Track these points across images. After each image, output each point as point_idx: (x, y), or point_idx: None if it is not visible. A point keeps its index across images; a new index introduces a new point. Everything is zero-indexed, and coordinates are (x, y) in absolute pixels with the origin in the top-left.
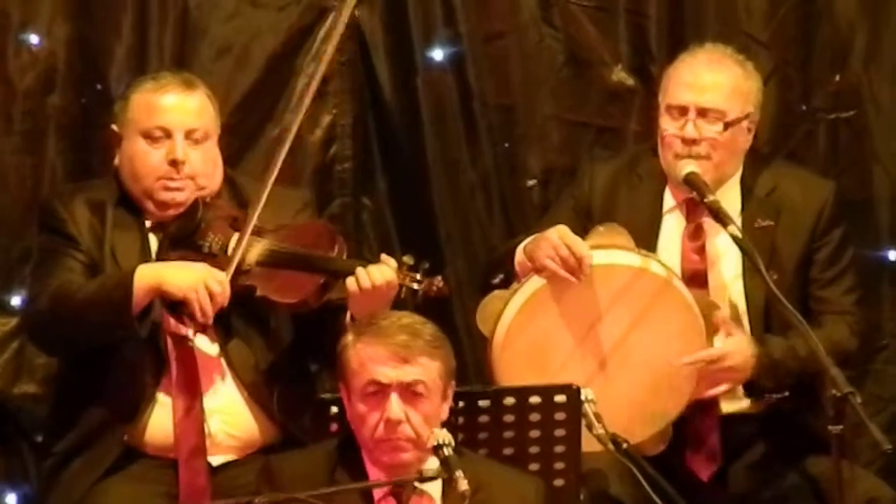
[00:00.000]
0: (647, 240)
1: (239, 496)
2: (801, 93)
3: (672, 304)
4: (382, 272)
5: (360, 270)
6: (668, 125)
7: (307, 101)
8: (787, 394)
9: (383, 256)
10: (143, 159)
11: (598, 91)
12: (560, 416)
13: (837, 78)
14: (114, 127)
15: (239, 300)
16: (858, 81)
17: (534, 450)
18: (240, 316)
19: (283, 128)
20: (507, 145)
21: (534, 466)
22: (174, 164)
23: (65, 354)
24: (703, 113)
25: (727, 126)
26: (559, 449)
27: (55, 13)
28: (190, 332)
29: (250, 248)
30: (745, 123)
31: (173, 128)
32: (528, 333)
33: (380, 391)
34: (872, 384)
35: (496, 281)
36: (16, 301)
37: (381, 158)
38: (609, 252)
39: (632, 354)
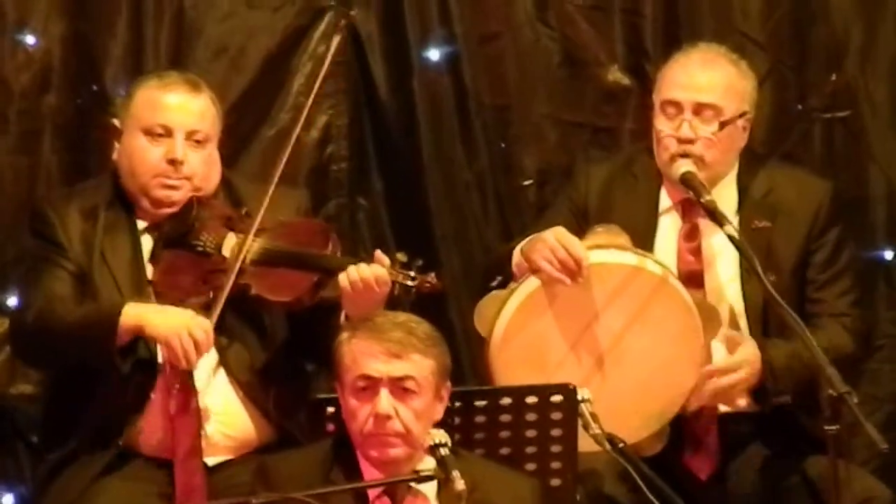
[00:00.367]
0: (643, 240)
1: (234, 496)
2: (797, 93)
3: (669, 302)
4: (373, 269)
5: (351, 267)
6: (663, 125)
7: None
8: (789, 398)
9: (377, 253)
10: (142, 155)
11: (593, 91)
12: (556, 415)
13: (833, 78)
14: (115, 121)
15: (233, 299)
16: (854, 81)
17: (530, 450)
18: (234, 315)
19: (279, 130)
20: (502, 145)
21: (530, 466)
22: (173, 163)
23: (45, 370)
24: (698, 112)
25: (723, 125)
26: (556, 449)
27: (51, 12)
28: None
29: (241, 247)
30: (740, 122)
31: (175, 127)
32: (525, 333)
33: (370, 386)
34: (868, 384)
35: (494, 283)
36: (11, 301)
37: (377, 159)
38: (605, 251)
39: (629, 354)
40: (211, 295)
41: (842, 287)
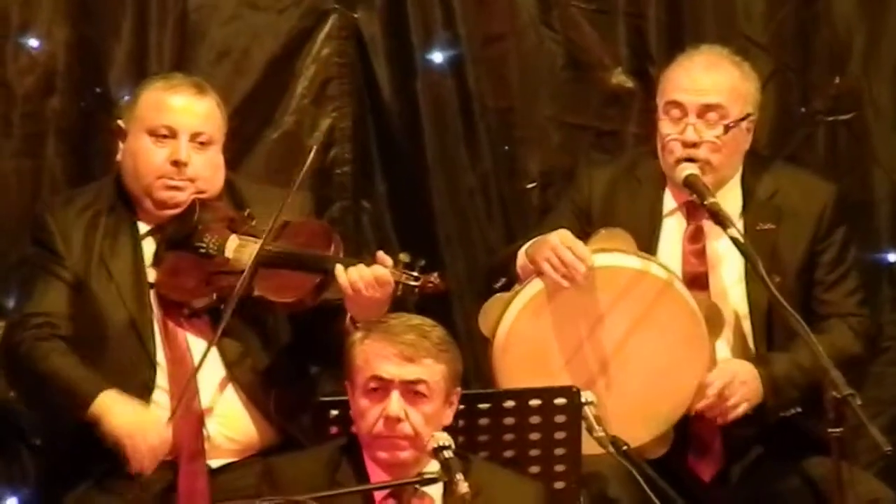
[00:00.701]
0: (647, 243)
1: (238, 499)
2: (801, 95)
3: (673, 306)
4: (373, 269)
5: (350, 269)
6: (668, 129)
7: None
8: (799, 409)
9: (379, 253)
10: (146, 156)
11: (597, 93)
12: (560, 418)
13: (837, 80)
14: (119, 122)
15: (236, 301)
16: (857, 84)
17: (534, 452)
18: (237, 317)
19: (283, 133)
20: (506, 148)
21: (534, 469)
22: (176, 164)
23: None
24: (702, 114)
25: (727, 128)
26: (559, 451)
27: (55, 16)
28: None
29: (247, 249)
30: (744, 124)
31: (179, 128)
32: (529, 335)
33: (382, 387)
34: (872, 386)
35: (498, 285)
36: (13, 304)
37: (381, 161)
38: (610, 255)
39: (633, 357)
40: (214, 296)
41: (848, 287)
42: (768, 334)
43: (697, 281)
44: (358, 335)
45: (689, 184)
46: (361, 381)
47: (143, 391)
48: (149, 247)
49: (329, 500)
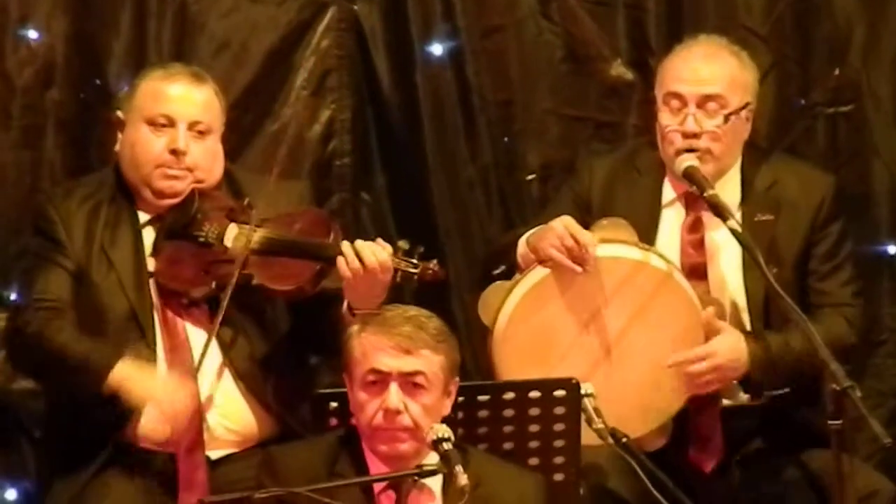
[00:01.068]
0: (646, 233)
1: (237, 490)
2: (800, 87)
3: (673, 297)
4: (373, 250)
5: (347, 248)
6: (668, 120)
7: None
8: (787, 390)
9: (378, 240)
10: (145, 146)
11: (596, 85)
12: (560, 410)
13: (836, 72)
14: (118, 113)
15: (235, 290)
16: (857, 76)
17: (533, 444)
18: (236, 306)
19: (282, 125)
20: (505, 140)
21: (533, 461)
22: (175, 153)
23: (35, 381)
24: (702, 105)
25: (727, 118)
26: (559, 443)
27: (54, 8)
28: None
29: (245, 237)
30: (743, 113)
31: (177, 117)
32: (529, 324)
33: (380, 380)
34: (872, 378)
35: (497, 272)
36: (14, 296)
37: (380, 154)
38: (611, 246)
39: (632, 348)
40: (213, 285)
41: (843, 278)
42: (766, 324)
43: (696, 271)
44: (355, 328)
45: (689, 175)
46: (359, 374)
47: None
48: (149, 236)
49: (328, 492)
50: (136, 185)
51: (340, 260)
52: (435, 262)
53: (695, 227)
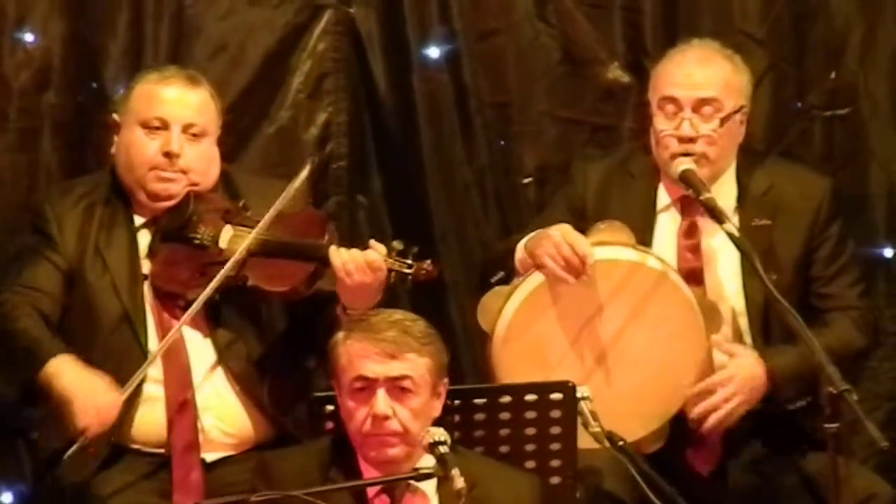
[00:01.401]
0: (641, 238)
1: (233, 493)
2: (797, 90)
3: (669, 298)
4: (365, 253)
5: (343, 250)
6: (663, 125)
7: None
8: (809, 400)
9: (372, 242)
10: (139, 148)
11: (593, 88)
12: (556, 413)
13: (833, 75)
14: (114, 116)
15: (230, 291)
16: (854, 78)
17: (530, 447)
18: (231, 307)
19: (279, 128)
20: (502, 143)
21: (530, 464)
22: (168, 155)
23: None
24: (697, 108)
25: (723, 121)
26: (555, 447)
27: (50, 11)
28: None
29: (241, 240)
30: (738, 117)
31: (171, 120)
32: (528, 329)
33: (367, 387)
34: (869, 381)
35: (495, 279)
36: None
37: (377, 156)
38: (608, 248)
39: (630, 351)
40: None
41: (848, 280)
42: (765, 330)
43: (693, 276)
44: (340, 336)
45: (685, 178)
46: (346, 381)
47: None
48: (144, 239)
49: (322, 496)
50: (131, 188)
51: (335, 260)
52: (429, 262)
53: (691, 232)
